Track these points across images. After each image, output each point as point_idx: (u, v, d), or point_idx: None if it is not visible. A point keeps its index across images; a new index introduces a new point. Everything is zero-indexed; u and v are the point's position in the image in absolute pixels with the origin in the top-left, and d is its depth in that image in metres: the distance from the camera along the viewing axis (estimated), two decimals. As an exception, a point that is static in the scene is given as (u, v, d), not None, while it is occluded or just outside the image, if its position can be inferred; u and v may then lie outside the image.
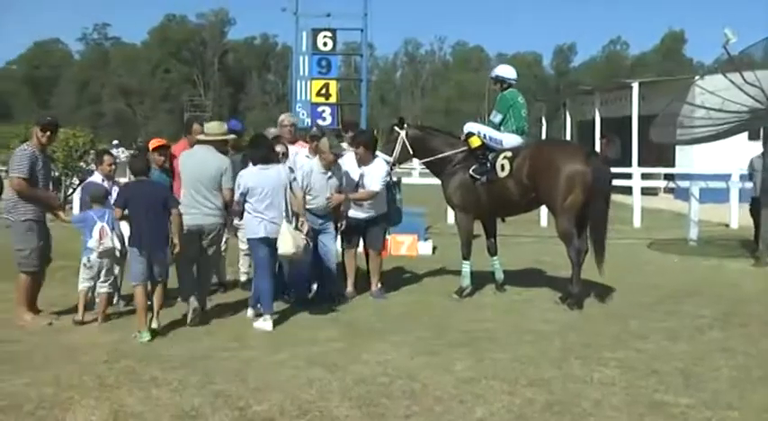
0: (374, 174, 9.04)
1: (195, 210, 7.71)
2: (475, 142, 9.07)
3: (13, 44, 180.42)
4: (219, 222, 7.95)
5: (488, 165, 8.93)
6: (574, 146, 10.86)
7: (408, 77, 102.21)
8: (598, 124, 27.98)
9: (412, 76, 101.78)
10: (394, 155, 9.34)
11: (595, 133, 27.66)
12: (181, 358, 6.44)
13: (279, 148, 8.56)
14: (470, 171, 9.00)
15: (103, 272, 7.75)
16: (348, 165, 9.00)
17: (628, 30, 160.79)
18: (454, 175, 9.24)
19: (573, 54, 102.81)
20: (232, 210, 8.03)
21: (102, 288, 7.75)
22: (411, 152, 9.44)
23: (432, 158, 9.42)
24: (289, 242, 7.57)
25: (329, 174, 8.67)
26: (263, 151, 7.90)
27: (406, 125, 9.49)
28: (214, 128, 8.14)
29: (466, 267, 9.24)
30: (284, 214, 7.71)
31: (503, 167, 8.84)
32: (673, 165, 22.86)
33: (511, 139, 9.10)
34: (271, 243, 7.68)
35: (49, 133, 7.72)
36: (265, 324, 7.58)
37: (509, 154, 8.88)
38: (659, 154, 22.49)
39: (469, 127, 9.32)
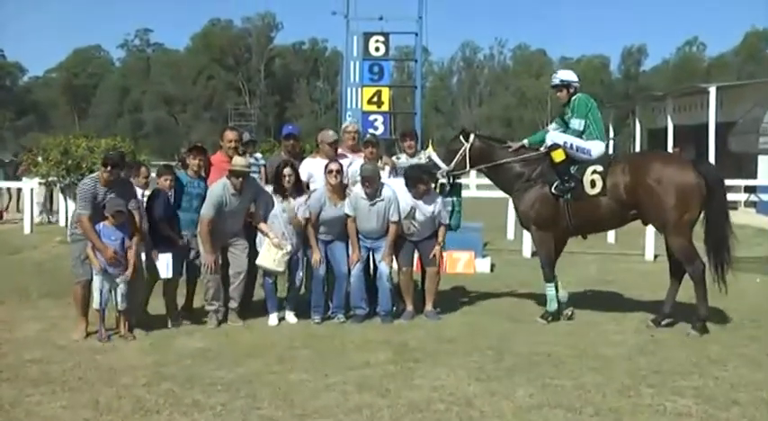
0: (440, 209, 9.07)
1: None
2: (558, 156, 8.73)
3: (53, 53, 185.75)
4: None
5: (572, 181, 8.68)
6: (679, 157, 10.68)
7: (465, 83, 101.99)
8: (671, 132, 27.59)
9: (469, 81, 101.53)
10: (452, 164, 9.26)
11: (668, 142, 27.27)
12: (224, 381, 6.52)
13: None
14: (553, 189, 8.78)
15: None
16: (399, 190, 8.98)
17: (705, 29, 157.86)
18: (528, 191, 9.03)
19: (643, 56, 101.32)
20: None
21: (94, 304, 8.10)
22: (469, 166, 9.36)
23: (491, 164, 9.25)
24: (265, 256, 8.68)
25: (374, 201, 8.81)
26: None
27: (471, 137, 9.32)
28: (238, 161, 8.69)
29: (550, 290, 9.04)
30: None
31: (593, 184, 8.61)
32: (755, 177, 22.37)
33: (597, 148, 8.84)
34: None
35: (110, 168, 7.92)
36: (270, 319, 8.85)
37: (599, 168, 8.64)
38: (739, 164, 22.06)
39: (553, 137, 8.93)
